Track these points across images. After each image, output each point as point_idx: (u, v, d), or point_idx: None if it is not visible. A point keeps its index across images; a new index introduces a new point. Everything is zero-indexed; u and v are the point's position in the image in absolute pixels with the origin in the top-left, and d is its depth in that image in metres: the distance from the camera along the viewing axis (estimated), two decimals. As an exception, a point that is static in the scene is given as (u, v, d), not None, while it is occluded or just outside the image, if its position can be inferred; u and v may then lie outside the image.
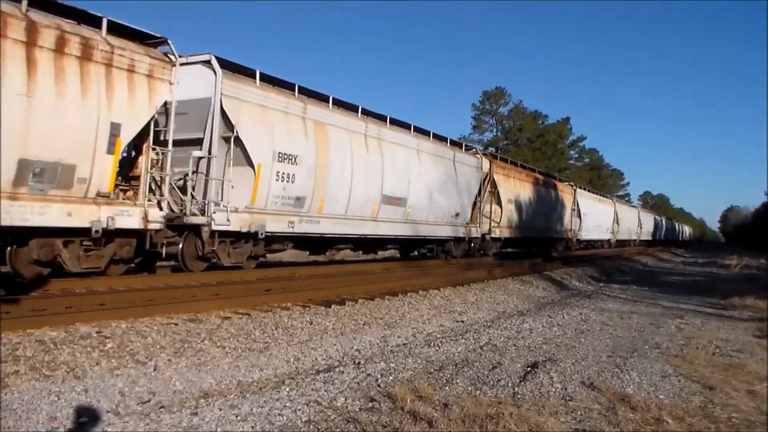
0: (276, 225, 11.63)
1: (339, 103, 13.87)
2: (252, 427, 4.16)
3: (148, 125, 9.25)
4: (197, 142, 10.47)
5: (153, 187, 9.84)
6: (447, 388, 5.26)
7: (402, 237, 16.58)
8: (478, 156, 21.10)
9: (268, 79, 11.92)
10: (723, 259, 37.42)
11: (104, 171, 8.58)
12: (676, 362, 6.66)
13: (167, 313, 7.31)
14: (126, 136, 8.83)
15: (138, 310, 7.19)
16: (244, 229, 10.93)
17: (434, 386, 5.22)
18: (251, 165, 10.93)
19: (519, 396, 5.05)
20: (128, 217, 8.93)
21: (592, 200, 38.02)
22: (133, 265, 10.69)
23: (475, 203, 20.29)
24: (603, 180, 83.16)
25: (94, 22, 8.56)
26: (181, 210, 10.07)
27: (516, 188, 23.96)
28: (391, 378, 5.57)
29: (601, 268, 23.25)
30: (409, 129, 16.68)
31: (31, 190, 7.73)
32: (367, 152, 14.28)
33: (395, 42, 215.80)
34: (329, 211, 13.07)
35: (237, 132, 10.56)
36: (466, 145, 21.04)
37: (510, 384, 5.40)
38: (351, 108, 14.30)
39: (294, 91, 12.42)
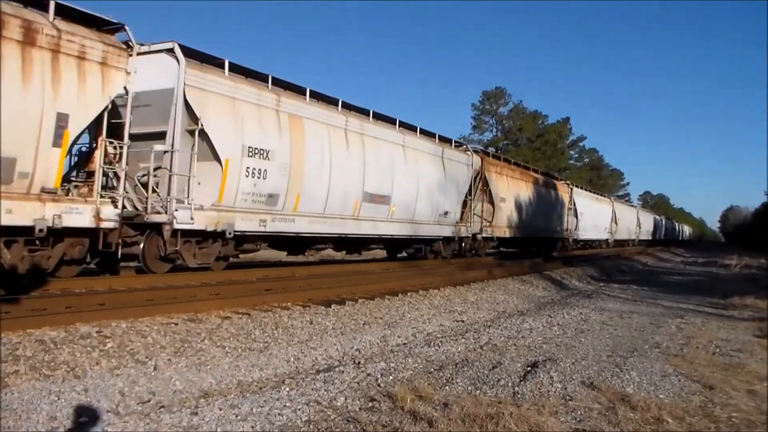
0: (246, 224, 11.07)
1: (317, 96, 13.33)
2: (252, 427, 4.16)
3: (101, 116, 8.69)
4: (162, 136, 9.91)
5: (115, 183, 9.41)
6: (447, 387, 5.25)
7: (386, 236, 16.02)
8: (469, 153, 20.39)
9: (238, 70, 11.37)
10: (723, 258, 37.41)
11: (49, 165, 7.98)
12: (676, 362, 6.65)
13: (167, 313, 7.31)
14: (75, 128, 8.23)
15: (138, 310, 7.19)
16: (210, 228, 10.35)
17: (434, 386, 5.22)
18: (218, 160, 10.40)
19: (519, 396, 5.05)
20: (78, 215, 8.27)
21: (590, 199, 37.49)
22: (93, 266, 10.24)
23: (465, 202, 19.69)
24: (603, 180, 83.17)
25: (41, 5, 7.99)
26: (146, 208, 9.63)
27: (509, 186, 23.34)
28: (391, 378, 5.57)
29: (601, 268, 23.25)
30: (395, 124, 16.09)
31: None
32: (347, 147, 13.68)
33: (395, 42, 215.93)
34: (305, 209, 12.51)
35: (202, 125, 10.01)
36: (456, 142, 20.21)
37: (510, 384, 5.40)
38: (330, 101, 13.71)
39: (267, 82, 11.87)
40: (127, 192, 9.56)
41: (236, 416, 4.33)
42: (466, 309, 10.88)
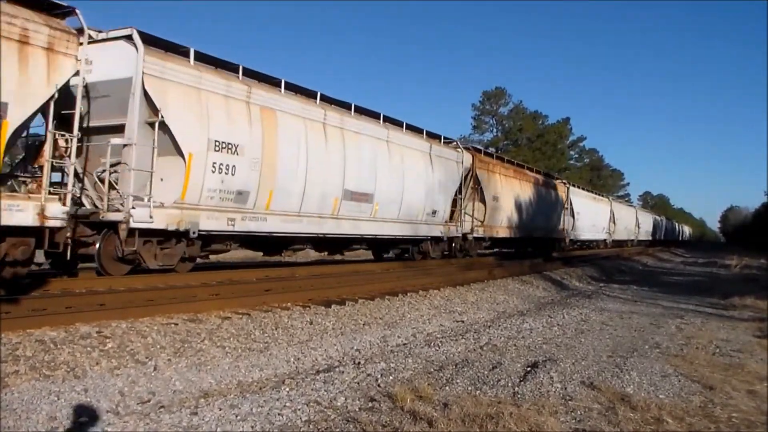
0: (212, 222, 10.39)
1: (293, 88, 12.67)
2: (252, 427, 4.16)
3: (46, 106, 8.04)
4: (123, 129, 9.29)
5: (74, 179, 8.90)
6: (447, 388, 5.26)
7: (368, 236, 15.25)
8: (459, 150, 19.50)
9: (206, 59, 10.74)
10: (723, 259, 37.42)
11: None
12: (676, 362, 6.66)
13: (167, 313, 7.31)
14: (15, 118, 7.59)
15: (138, 310, 7.19)
16: (172, 227, 9.68)
17: (434, 386, 5.22)
18: (181, 154, 9.73)
19: (519, 396, 5.05)
20: (18, 213, 7.57)
21: (587, 199, 36.74)
22: (47, 267, 9.79)
23: (456, 200, 18.94)
24: (603, 180, 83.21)
25: None
26: (105, 205, 9.12)
27: (502, 185, 22.52)
28: (391, 378, 5.57)
29: (601, 268, 23.25)
30: (378, 118, 15.36)
31: None
32: (325, 142, 12.97)
33: (395, 42, 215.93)
34: (279, 207, 11.82)
35: (162, 116, 9.36)
36: (445, 138, 19.32)
37: (510, 384, 5.40)
38: (308, 94, 13.07)
39: (238, 72, 11.24)
40: (86, 189, 9.21)
41: (236, 416, 4.33)
42: (466, 309, 10.88)
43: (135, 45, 9.19)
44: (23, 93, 7.62)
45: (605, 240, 41.92)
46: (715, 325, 9.69)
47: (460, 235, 19.31)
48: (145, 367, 5.48)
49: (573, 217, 32.30)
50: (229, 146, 10.50)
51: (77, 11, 8.28)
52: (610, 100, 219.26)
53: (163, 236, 9.90)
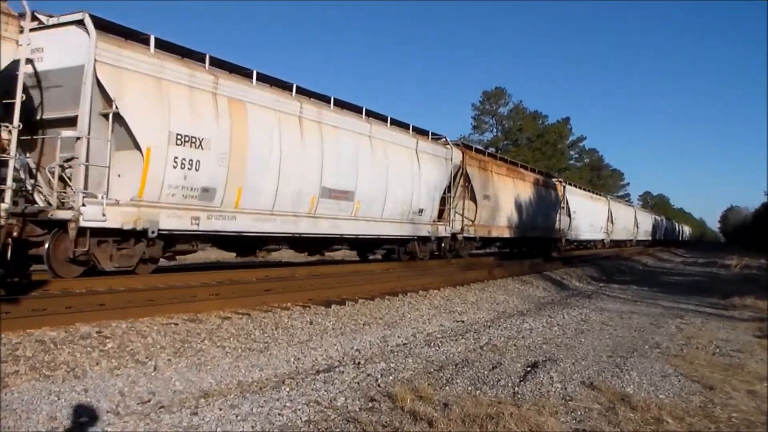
0: (174, 221, 9.71)
1: (266, 79, 11.95)
2: (252, 427, 4.16)
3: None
4: (76, 121, 8.72)
5: (23, 175, 8.66)
6: (447, 388, 5.26)
7: (348, 236, 14.54)
8: (448, 146, 18.71)
9: (169, 48, 10.07)
10: (723, 259, 37.43)
11: None
12: (676, 362, 6.66)
13: (167, 313, 7.31)
14: None
15: (138, 310, 7.18)
16: (128, 226, 9.02)
17: (434, 386, 5.22)
18: (139, 148, 9.12)
19: (519, 396, 5.05)
20: None
21: (584, 198, 35.96)
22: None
23: (444, 199, 18.16)
24: (603, 180, 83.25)
25: None
26: (62, 203, 8.59)
27: (494, 183, 21.71)
28: (391, 378, 5.57)
29: (600, 268, 23.25)
30: (360, 112, 14.60)
31: None
32: (301, 137, 12.25)
33: (395, 42, 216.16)
34: (250, 205, 11.13)
35: (117, 107, 8.75)
36: (433, 134, 18.40)
37: (510, 384, 5.40)
38: (283, 86, 12.38)
39: (204, 62, 10.53)
40: (39, 185, 8.79)
41: (236, 416, 4.33)
42: (466, 309, 10.88)
43: (87, 30, 8.56)
44: None
45: (603, 240, 41.23)
46: (715, 325, 9.70)
47: (449, 235, 18.60)
48: (145, 367, 5.48)
49: (569, 216, 31.62)
50: (193, 140, 9.81)
51: None
52: (610, 100, 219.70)
53: (120, 236, 9.25)
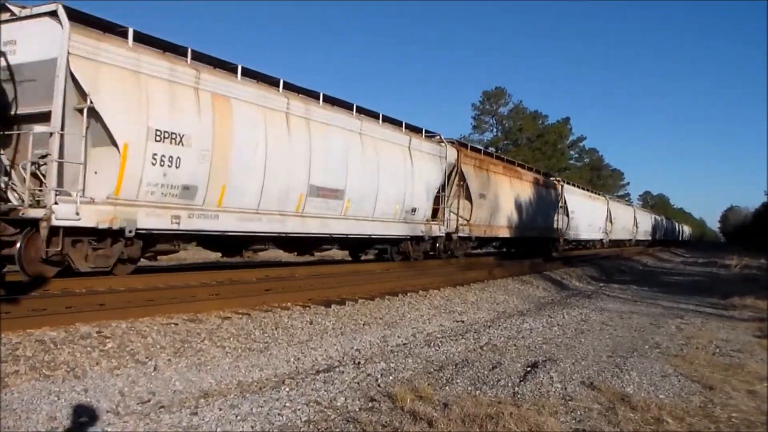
0: (153, 220, 9.35)
1: (252, 75, 11.57)
2: (252, 427, 4.16)
3: None
4: (50, 117, 8.37)
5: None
6: (447, 388, 5.26)
7: (338, 236, 14.11)
8: (443, 144, 18.24)
9: (148, 41, 9.66)
10: (723, 259, 37.43)
11: None
12: (676, 362, 6.66)
13: (167, 313, 7.31)
14: None
15: (138, 310, 7.19)
16: (104, 225, 8.65)
17: (434, 386, 5.22)
18: (116, 145, 8.78)
19: (519, 396, 5.05)
20: None
21: (582, 197, 35.49)
22: None
23: (439, 198, 17.70)
24: (603, 180, 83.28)
25: None
26: (38, 201, 8.31)
27: (490, 182, 21.23)
28: (391, 378, 5.58)
29: (600, 268, 23.26)
30: (351, 109, 14.14)
31: None
32: (288, 133, 11.86)
33: (395, 42, 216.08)
34: (233, 204, 10.75)
35: (92, 102, 8.41)
36: (427, 131, 17.90)
37: (510, 384, 5.40)
38: (269, 81, 11.96)
39: (186, 56, 10.13)
40: (13, 183, 8.62)
41: (236, 416, 4.34)
42: (466, 309, 10.88)
43: (60, 22, 8.23)
44: None
45: (602, 240, 40.69)
46: (715, 325, 9.70)
47: (444, 234, 18.11)
48: (145, 367, 5.48)
49: (568, 216, 31.14)
50: (173, 136, 9.45)
51: None
52: (610, 100, 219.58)
53: (96, 235, 8.90)
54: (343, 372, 5.74)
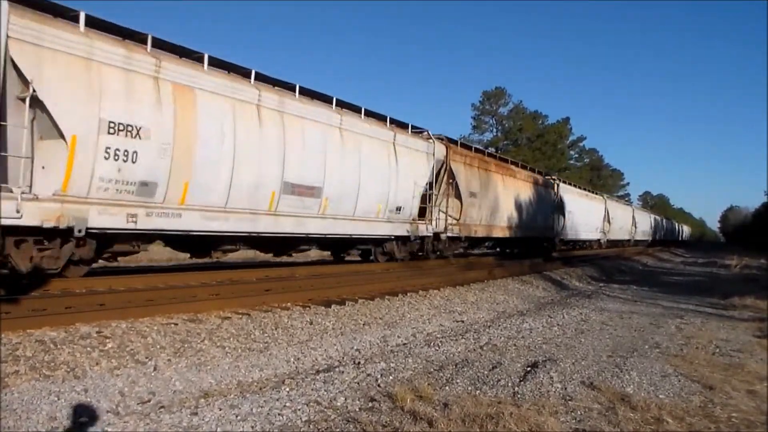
0: (106, 219, 8.66)
1: (220, 65, 10.85)
2: (252, 427, 4.16)
3: None
4: None
5: None
6: (447, 387, 5.26)
7: (315, 236, 13.36)
8: (431, 140, 17.36)
9: (104, 27, 9.00)
10: (723, 259, 37.43)
11: None
12: (676, 362, 6.66)
13: (167, 313, 7.32)
14: None
15: (138, 310, 7.19)
16: (48, 224, 7.96)
17: (434, 386, 5.22)
18: (63, 137, 8.15)
19: (519, 396, 5.05)
20: None
21: (579, 196, 34.82)
22: None
23: (426, 196, 16.90)
24: (603, 180, 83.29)
25: None
26: None
27: (482, 180, 20.39)
28: (391, 378, 5.58)
29: (600, 268, 23.26)
30: (330, 102, 13.38)
31: None
32: (260, 127, 11.15)
33: (395, 42, 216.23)
34: (198, 201, 10.02)
35: (34, 90, 7.75)
36: (414, 127, 16.99)
37: (510, 384, 5.40)
38: (240, 71, 11.26)
39: (146, 44, 9.42)
40: None
41: (236, 416, 4.34)
42: (466, 309, 10.88)
43: None
44: None
45: (599, 240, 40.07)
46: (715, 325, 9.70)
47: (431, 234, 17.32)
48: (145, 367, 5.48)
49: (564, 215, 30.58)
50: (129, 128, 8.81)
51: None
52: (610, 100, 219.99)
53: (44, 235, 8.23)
54: (343, 372, 5.74)
